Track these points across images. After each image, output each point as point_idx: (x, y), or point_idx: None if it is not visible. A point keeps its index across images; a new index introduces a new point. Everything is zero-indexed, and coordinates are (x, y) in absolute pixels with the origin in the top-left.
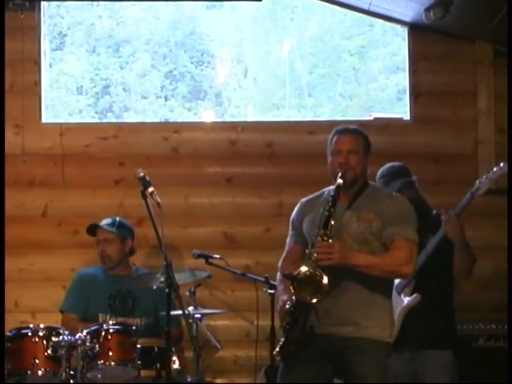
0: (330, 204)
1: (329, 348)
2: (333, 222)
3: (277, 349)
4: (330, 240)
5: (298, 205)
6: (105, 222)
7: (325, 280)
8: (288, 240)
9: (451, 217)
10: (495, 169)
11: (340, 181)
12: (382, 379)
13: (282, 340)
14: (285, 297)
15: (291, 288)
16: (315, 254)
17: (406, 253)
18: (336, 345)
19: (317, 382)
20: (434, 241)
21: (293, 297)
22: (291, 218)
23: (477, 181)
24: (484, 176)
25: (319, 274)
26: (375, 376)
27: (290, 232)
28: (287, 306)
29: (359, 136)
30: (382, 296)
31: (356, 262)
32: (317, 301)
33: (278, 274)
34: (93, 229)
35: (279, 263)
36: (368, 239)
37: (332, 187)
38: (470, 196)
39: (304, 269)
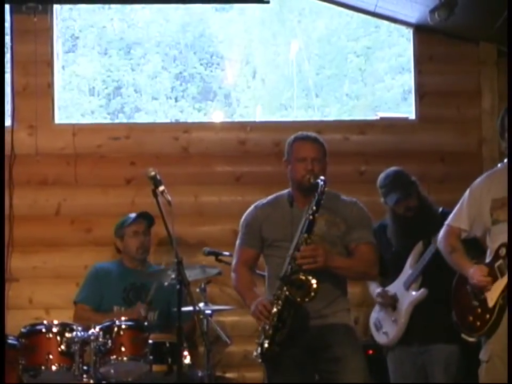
0: (314, 209)
1: (309, 341)
2: (314, 228)
3: (260, 351)
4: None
5: (253, 209)
6: (136, 215)
7: (315, 285)
8: (239, 244)
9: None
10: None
11: (323, 186)
12: (364, 362)
13: (267, 341)
14: (260, 299)
15: (285, 290)
16: (300, 258)
17: (372, 256)
18: (315, 336)
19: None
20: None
21: (277, 300)
22: (245, 221)
23: None
24: None
25: (311, 279)
26: (358, 359)
27: (242, 235)
28: (274, 310)
29: (320, 144)
30: (344, 291)
31: (335, 264)
32: (307, 302)
33: (234, 277)
34: (143, 217)
35: (232, 267)
36: (335, 242)
37: (285, 191)
38: None
39: (314, 280)
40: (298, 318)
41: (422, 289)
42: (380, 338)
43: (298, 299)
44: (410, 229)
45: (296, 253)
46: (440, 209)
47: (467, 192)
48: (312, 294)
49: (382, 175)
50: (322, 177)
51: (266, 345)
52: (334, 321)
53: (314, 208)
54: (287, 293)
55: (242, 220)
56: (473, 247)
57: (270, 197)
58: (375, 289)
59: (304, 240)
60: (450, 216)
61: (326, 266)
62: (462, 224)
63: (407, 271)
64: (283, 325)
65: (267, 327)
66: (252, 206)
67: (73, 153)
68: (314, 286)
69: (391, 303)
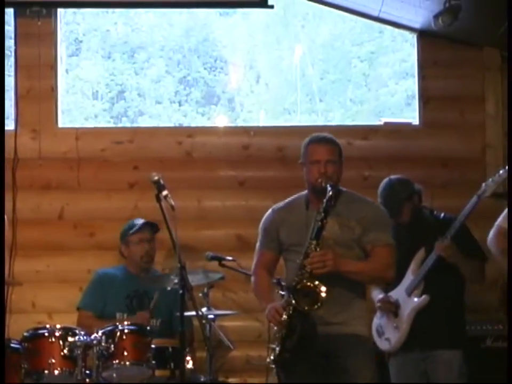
0: (322, 214)
1: (320, 348)
2: (324, 233)
3: (272, 357)
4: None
5: (270, 212)
6: (142, 221)
7: (323, 292)
8: (258, 247)
9: (441, 246)
10: (501, 171)
11: (331, 192)
12: (373, 372)
13: (278, 348)
14: (273, 304)
15: (291, 298)
16: (309, 264)
17: (388, 259)
18: (325, 344)
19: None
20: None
21: (287, 307)
22: (263, 225)
23: (483, 184)
24: (490, 179)
25: (318, 286)
26: (367, 370)
27: (261, 238)
28: (284, 316)
29: (335, 145)
30: (359, 298)
31: (346, 268)
32: (315, 310)
33: (252, 279)
34: (149, 225)
35: (252, 270)
36: (351, 245)
37: (303, 193)
38: (477, 198)
39: (322, 288)
40: (307, 325)
41: (424, 296)
42: (382, 345)
43: (306, 307)
44: (407, 240)
45: (305, 259)
46: (442, 214)
47: None
48: (320, 302)
49: (381, 185)
50: (331, 182)
51: (277, 351)
52: (346, 331)
53: (322, 214)
54: (293, 301)
55: (261, 223)
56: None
57: (288, 199)
58: (377, 295)
59: (314, 246)
60: (500, 217)
61: (336, 271)
62: None
63: (409, 277)
64: (292, 331)
65: (278, 334)
66: (270, 209)
67: (76, 157)
68: (323, 294)
69: (392, 309)
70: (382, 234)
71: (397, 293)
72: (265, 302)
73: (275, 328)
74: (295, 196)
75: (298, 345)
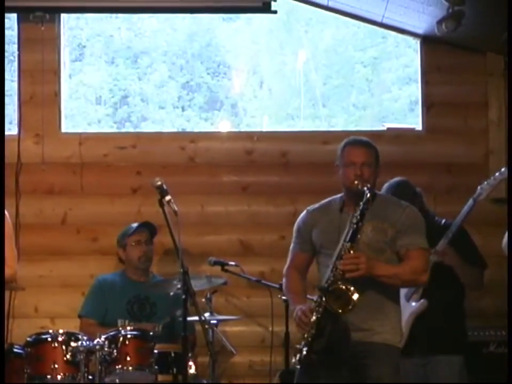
0: (358, 217)
1: (345, 354)
2: (359, 236)
3: (298, 357)
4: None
5: (304, 214)
6: (138, 225)
7: (355, 296)
8: (292, 247)
9: (441, 250)
10: (496, 174)
11: (368, 195)
12: (396, 380)
13: (305, 349)
14: (302, 306)
15: (323, 299)
16: (341, 266)
17: (422, 262)
18: (352, 350)
19: None
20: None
21: (318, 308)
22: (297, 225)
23: (479, 187)
24: (486, 182)
25: (351, 289)
26: (389, 380)
27: (295, 239)
28: (314, 317)
29: (372, 148)
30: (392, 303)
31: (379, 272)
32: (346, 313)
33: (284, 280)
34: (145, 227)
35: (284, 270)
36: (383, 248)
37: (338, 196)
38: (473, 201)
39: (355, 292)
40: (337, 328)
41: (422, 300)
42: None
43: (338, 309)
44: None
45: (338, 261)
46: (443, 220)
47: None
48: (352, 305)
49: (385, 185)
50: (368, 185)
51: (304, 352)
52: (374, 338)
53: (358, 217)
54: (325, 302)
55: (295, 224)
56: None
57: (323, 201)
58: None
59: (347, 249)
60: None
61: (369, 275)
62: None
63: None
64: (321, 334)
65: (306, 335)
66: (305, 210)
67: (79, 162)
68: (355, 297)
69: None
70: (416, 238)
71: None
72: (293, 304)
73: (302, 330)
74: (330, 198)
75: (326, 348)
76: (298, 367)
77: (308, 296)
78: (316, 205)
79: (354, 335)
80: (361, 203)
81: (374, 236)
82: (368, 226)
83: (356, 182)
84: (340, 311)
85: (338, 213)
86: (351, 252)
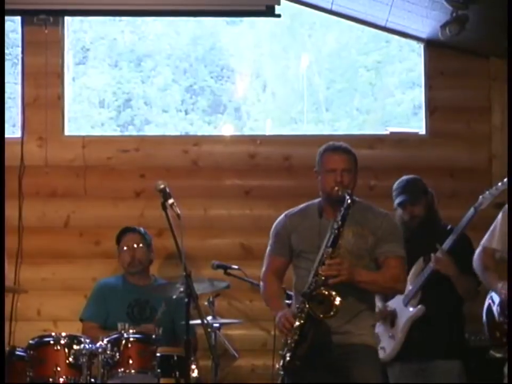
0: (340, 223)
1: (328, 358)
2: (340, 241)
3: (282, 364)
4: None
5: (283, 218)
6: (120, 231)
7: (338, 301)
8: (269, 252)
9: (438, 258)
10: (499, 184)
11: (349, 201)
12: (380, 382)
13: (288, 355)
14: (284, 311)
15: (306, 305)
16: (324, 272)
17: (400, 270)
18: (333, 353)
19: None
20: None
21: (300, 314)
22: (275, 230)
23: (480, 196)
24: (487, 192)
25: (333, 294)
26: (374, 379)
27: (272, 244)
28: (297, 323)
29: (351, 154)
30: (368, 308)
31: (360, 278)
32: (329, 318)
33: (262, 285)
34: (127, 232)
35: (261, 276)
36: (363, 255)
37: (316, 201)
38: (474, 210)
39: (337, 297)
40: (319, 333)
41: (420, 306)
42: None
43: (320, 315)
44: (414, 240)
45: (320, 267)
46: (449, 226)
47: (500, 213)
48: (334, 310)
49: (399, 180)
50: (348, 191)
51: (287, 358)
52: (356, 340)
53: (340, 222)
54: (308, 308)
55: (272, 228)
56: None
57: (301, 206)
58: (376, 303)
59: (329, 254)
60: (485, 237)
61: (351, 280)
62: (494, 244)
63: (407, 286)
64: (304, 339)
65: (289, 340)
66: (282, 215)
67: (82, 165)
68: (337, 302)
69: (389, 319)
70: (395, 246)
71: (395, 302)
72: (275, 309)
73: (285, 336)
74: (308, 203)
75: (309, 353)
76: (282, 373)
77: (287, 301)
78: (295, 209)
79: (337, 338)
80: (342, 208)
81: (355, 242)
82: (349, 232)
83: (336, 188)
84: (323, 316)
85: (317, 218)
86: (332, 256)
